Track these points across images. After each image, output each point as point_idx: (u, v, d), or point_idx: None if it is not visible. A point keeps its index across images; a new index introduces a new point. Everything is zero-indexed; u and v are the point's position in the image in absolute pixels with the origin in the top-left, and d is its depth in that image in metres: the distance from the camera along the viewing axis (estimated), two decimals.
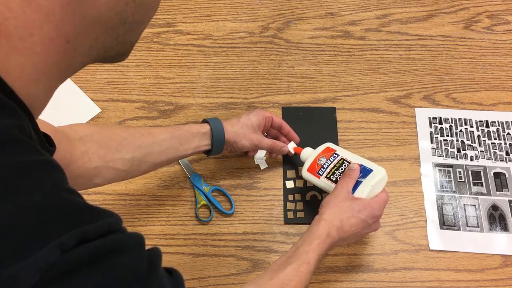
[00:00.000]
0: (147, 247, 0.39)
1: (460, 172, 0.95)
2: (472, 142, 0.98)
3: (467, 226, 0.90)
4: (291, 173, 0.95)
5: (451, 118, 1.01)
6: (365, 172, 0.79)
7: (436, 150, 0.98)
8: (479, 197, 0.93)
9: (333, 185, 0.80)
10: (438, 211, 0.91)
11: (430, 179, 0.95)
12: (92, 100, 1.03)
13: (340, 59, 1.09)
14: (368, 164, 0.81)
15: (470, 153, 0.97)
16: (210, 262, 0.87)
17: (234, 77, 1.07)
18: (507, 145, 0.98)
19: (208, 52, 1.10)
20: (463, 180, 0.94)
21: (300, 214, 0.91)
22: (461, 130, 1.00)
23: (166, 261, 0.40)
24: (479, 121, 1.01)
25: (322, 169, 0.83)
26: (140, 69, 1.07)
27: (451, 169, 0.96)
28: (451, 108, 1.03)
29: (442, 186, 0.94)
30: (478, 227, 0.90)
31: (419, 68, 1.08)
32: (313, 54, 1.10)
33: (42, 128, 0.44)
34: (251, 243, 0.89)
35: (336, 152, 0.85)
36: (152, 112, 1.02)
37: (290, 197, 0.93)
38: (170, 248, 0.88)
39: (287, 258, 0.69)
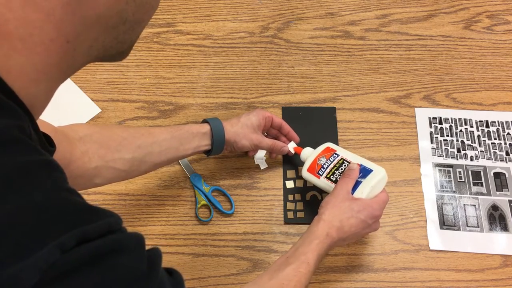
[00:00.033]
0: (147, 247, 0.39)
1: (460, 172, 0.95)
2: (472, 142, 0.98)
3: (467, 226, 0.90)
4: (291, 173, 0.95)
5: (451, 118, 1.01)
6: (365, 172, 0.79)
7: (436, 150, 0.98)
8: (479, 197, 0.93)
9: (333, 185, 0.80)
10: (438, 211, 0.91)
11: (430, 179, 0.95)
12: (92, 100, 1.03)
13: (340, 59, 1.09)
14: (368, 164, 0.81)
15: (470, 153, 0.97)
16: (210, 262, 0.87)
17: (234, 77, 1.07)
18: (507, 145, 0.98)
19: (208, 52, 1.10)
20: (463, 180, 0.94)
21: (300, 214, 0.91)
22: (461, 130, 1.00)
23: (166, 261, 0.40)
24: (479, 121, 1.01)
25: (322, 169, 0.83)
26: (140, 69, 1.07)
27: (451, 169, 0.96)
28: (451, 108, 1.03)
29: (442, 186, 0.94)
30: (478, 227, 0.90)
31: (419, 68, 1.08)
32: (313, 54, 1.10)
33: (42, 128, 0.44)
34: (251, 243, 0.89)
35: (336, 152, 0.85)
36: (152, 112, 1.02)
37: (290, 197, 0.93)
38: (170, 248, 0.88)
39: (287, 258, 0.69)
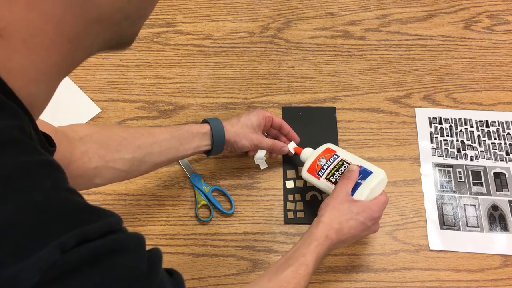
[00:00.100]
0: (147, 248, 0.39)
1: (460, 172, 0.95)
2: (472, 142, 0.98)
3: (467, 226, 0.90)
4: (291, 173, 0.95)
5: (451, 118, 1.01)
6: (364, 174, 0.79)
7: (436, 150, 0.98)
8: (479, 197, 0.93)
9: (333, 186, 0.80)
10: (438, 211, 0.91)
11: (430, 179, 0.95)
12: (92, 100, 1.03)
13: (340, 59, 1.09)
14: (368, 166, 0.81)
15: (470, 153, 0.97)
16: (210, 262, 0.87)
17: (234, 77, 1.07)
18: (507, 145, 0.98)
19: (208, 52, 1.10)
20: (463, 180, 0.94)
21: (300, 214, 0.91)
22: (461, 130, 1.00)
23: (166, 261, 0.40)
24: (479, 121, 1.01)
25: (322, 170, 0.83)
26: (140, 69, 1.07)
27: (451, 169, 0.96)
28: (451, 108, 1.03)
29: (442, 186, 0.94)
30: (478, 227, 0.90)
31: (419, 68, 1.08)
32: (313, 54, 1.10)
33: (42, 128, 0.44)
34: (251, 243, 0.89)
35: (336, 153, 0.85)
36: (152, 112, 1.02)
37: (290, 197, 0.93)
38: (170, 248, 0.88)
39: (286, 260, 0.69)
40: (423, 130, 1.00)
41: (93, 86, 1.05)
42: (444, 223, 0.90)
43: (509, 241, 0.88)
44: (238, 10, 1.16)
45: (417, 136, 1.00)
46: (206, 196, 0.92)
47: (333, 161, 0.83)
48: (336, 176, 0.81)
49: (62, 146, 0.62)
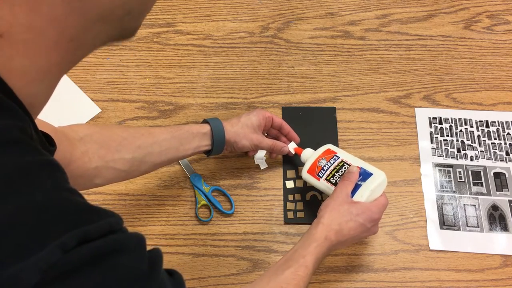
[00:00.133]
0: (147, 248, 0.39)
1: (460, 172, 0.95)
2: (472, 142, 0.98)
3: (467, 226, 0.90)
4: (291, 173, 0.95)
5: (451, 118, 1.01)
6: (365, 175, 0.79)
7: (436, 150, 0.98)
8: (479, 197, 0.93)
9: (333, 187, 0.80)
10: (438, 211, 0.91)
11: (430, 179, 0.95)
12: (92, 100, 1.03)
13: (340, 59, 1.09)
14: (368, 167, 0.81)
15: (470, 153, 0.97)
16: (210, 262, 0.87)
17: (234, 77, 1.07)
18: (507, 145, 0.98)
19: (208, 52, 1.10)
20: (463, 180, 0.94)
21: (300, 214, 0.91)
22: (461, 130, 1.00)
23: (166, 261, 0.40)
24: (479, 121, 1.01)
25: (322, 171, 0.83)
26: (140, 69, 1.07)
27: (451, 169, 0.96)
28: (451, 108, 1.03)
29: (442, 186, 0.94)
30: (478, 227, 0.90)
31: (419, 68, 1.08)
32: (313, 54, 1.10)
33: (42, 128, 0.44)
34: (251, 243, 0.89)
35: (337, 154, 0.85)
36: (152, 112, 1.02)
37: (290, 197, 0.93)
38: (170, 248, 0.88)
39: (285, 261, 0.69)
40: (423, 130, 1.00)
41: (93, 86, 1.05)
42: (444, 223, 0.90)
43: (509, 241, 0.88)
44: (238, 10, 1.16)
45: (417, 136, 1.00)
46: (206, 196, 0.92)
47: (334, 162, 0.83)
48: (336, 177, 0.81)
49: (62, 146, 0.62)
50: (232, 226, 0.91)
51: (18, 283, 0.30)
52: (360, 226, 0.73)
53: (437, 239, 0.89)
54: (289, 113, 1.02)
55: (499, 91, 1.05)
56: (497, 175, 0.95)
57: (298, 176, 0.94)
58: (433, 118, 1.01)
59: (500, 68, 1.08)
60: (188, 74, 1.07)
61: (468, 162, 0.96)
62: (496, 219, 0.91)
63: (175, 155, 0.81)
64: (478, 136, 0.99)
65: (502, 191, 0.93)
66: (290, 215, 0.91)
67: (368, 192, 0.76)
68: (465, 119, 1.01)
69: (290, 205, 0.92)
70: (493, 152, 0.97)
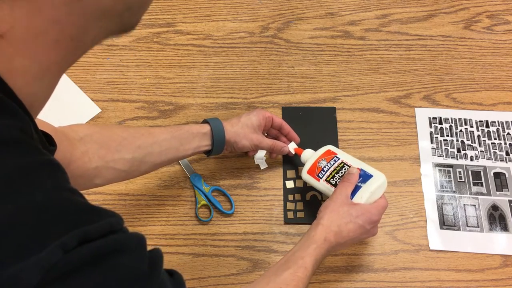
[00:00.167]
0: (148, 248, 0.39)
1: (460, 172, 0.95)
2: (472, 142, 0.98)
3: (467, 226, 0.90)
4: (291, 173, 0.95)
5: (451, 118, 1.01)
6: (365, 177, 0.79)
7: (436, 150, 0.98)
8: (479, 197, 0.93)
9: (333, 188, 0.80)
10: (438, 211, 0.91)
11: (430, 179, 0.95)
12: (92, 100, 1.03)
13: (340, 59, 1.09)
14: (368, 169, 0.81)
15: (470, 153, 0.97)
16: (210, 262, 0.87)
17: (234, 77, 1.07)
18: (507, 145, 0.98)
19: (208, 52, 1.10)
20: (463, 180, 0.94)
21: (300, 214, 0.91)
22: (461, 130, 1.00)
23: (166, 261, 0.40)
24: (479, 121, 1.01)
25: (322, 172, 0.83)
26: (140, 69, 1.07)
27: (451, 169, 0.96)
28: (451, 108, 1.03)
29: (442, 186, 0.94)
30: (478, 227, 0.90)
31: (419, 68, 1.08)
32: (313, 54, 1.10)
33: (43, 128, 0.44)
34: (251, 243, 0.89)
35: (337, 155, 0.85)
36: (152, 112, 1.02)
37: (290, 197, 0.93)
38: (170, 248, 0.88)
39: (284, 262, 0.69)
40: (423, 130, 1.00)
41: (93, 86, 1.05)
42: (444, 223, 0.90)
43: (509, 241, 0.88)
44: (238, 10, 1.16)
45: (417, 136, 1.00)
46: (206, 196, 0.92)
47: (334, 163, 0.83)
48: (336, 179, 0.81)
49: (62, 146, 0.62)
50: (232, 226, 0.91)
51: (19, 283, 0.30)
52: (359, 228, 0.73)
53: (437, 239, 0.89)
54: (289, 113, 1.02)
55: (499, 91, 1.05)
56: (497, 175, 0.95)
57: (298, 176, 0.94)
58: (433, 118, 1.01)
59: (500, 68, 1.08)
60: (188, 74, 1.07)
61: (468, 162, 0.96)
62: (496, 219, 0.91)
63: (175, 155, 0.81)
64: (478, 136, 0.99)
65: (502, 191, 0.93)
66: (290, 215, 0.91)
67: (367, 194, 0.76)
68: (465, 119, 1.01)
69: (290, 205, 0.92)
70: (493, 152, 0.97)
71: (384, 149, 0.98)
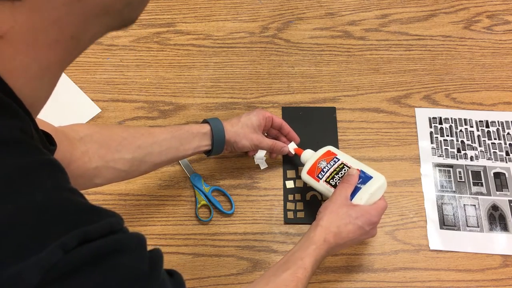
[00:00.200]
0: (148, 248, 0.39)
1: (460, 172, 0.95)
2: (472, 142, 0.98)
3: (467, 226, 0.90)
4: (291, 173, 0.95)
5: (451, 118, 1.01)
6: (364, 178, 0.79)
7: (436, 150, 0.98)
8: (479, 197, 0.93)
9: (332, 189, 0.80)
10: (438, 211, 0.91)
11: (430, 179, 0.95)
12: (92, 100, 1.03)
13: (340, 59, 1.09)
14: (368, 170, 0.81)
15: (470, 153, 0.97)
16: (210, 262, 0.87)
17: (234, 77, 1.07)
18: (507, 145, 0.98)
19: (208, 52, 1.10)
20: (463, 180, 0.94)
21: (300, 214, 0.91)
22: (461, 130, 1.00)
23: (166, 261, 0.40)
24: (479, 121, 1.01)
25: (322, 172, 0.83)
26: (140, 69, 1.07)
27: (451, 169, 0.96)
28: (451, 108, 1.03)
29: (442, 186, 0.94)
30: (478, 227, 0.90)
31: (419, 68, 1.08)
32: (313, 54, 1.10)
33: (43, 128, 0.44)
34: (251, 243, 0.89)
35: (337, 156, 0.85)
36: (152, 112, 1.02)
37: (290, 197, 0.93)
38: (170, 248, 0.88)
39: (284, 263, 0.69)
40: (423, 130, 1.00)
41: (93, 86, 1.05)
42: (444, 223, 0.90)
43: (509, 241, 0.88)
44: (238, 10, 1.16)
45: (417, 136, 1.00)
46: (206, 196, 0.92)
47: (333, 164, 0.83)
48: (335, 180, 0.81)
49: (62, 146, 0.62)
50: (232, 226, 0.91)
51: (19, 283, 0.30)
52: (359, 229, 0.73)
53: (437, 239, 0.89)
54: (289, 113, 1.02)
55: (499, 91, 1.05)
56: (497, 175, 0.95)
57: (298, 176, 0.94)
58: (433, 118, 1.01)
59: (500, 68, 1.08)
60: (188, 74, 1.07)
61: (468, 162, 0.96)
62: (496, 219, 0.91)
63: (175, 155, 0.81)
64: (478, 136, 0.99)
65: (502, 191, 0.93)
66: (290, 215, 0.91)
67: (367, 195, 0.76)
68: (465, 119, 1.01)
69: (290, 205, 0.92)
70: (493, 152, 0.97)
71: (384, 149, 0.98)
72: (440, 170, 0.95)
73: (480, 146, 0.98)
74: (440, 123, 1.01)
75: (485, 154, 0.97)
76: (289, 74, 1.07)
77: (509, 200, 0.92)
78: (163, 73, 1.07)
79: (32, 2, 0.34)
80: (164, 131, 0.80)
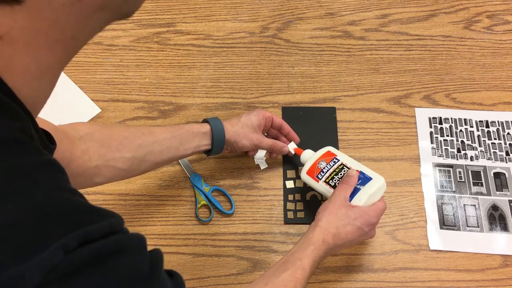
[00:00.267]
0: (148, 248, 0.39)
1: (460, 172, 0.95)
2: (472, 142, 0.98)
3: (467, 226, 0.90)
4: (291, 173, 0.95)
5: (451, 118, 1.01)
6: (364, 179, 0.78)
7: (436, 150, 0.98)
8: (479, 197, 0.93)
9: (332, 190, 0.80)
10: (438, 211, 0.91)
11: (430, 179, 0.95)
12: (92, 100, 1.03)
13: (340, 59, 1.09)
14: (368, 171, 0.80)
15: (470, 153, 0.97)
16: (210, 262, 0.87)
17: (234, 77, 1.07)
18: (507, 145, 0.98)
19: (208, 52, 1.10)
20: (463, 180, 0.94)
21: (300, 214, 0.91)
22: (461, 130, 1.00)
23: (166, 261, 0.40)
24: (479, 121, 1.01)
25: (321, 173, 0.83)
26: (140, 69, 1.07)
27: (451, 169, 0.96)
28: (451, 108, 1.03)
29: (442, 186, 0.94)
30: (478, 227, 0.90)
31: (419, 68, 1.08)
32: (313, 54, 1.10)
33: (43, 127, 0.44)
34: (251, 243, 0.89)
35: (337, 157, 0.84)
36: (152, 112, 1.02)
37: (290, 197, 0.93)
38: (170, 248, 0.88)
39: (282, 263, 0.69)
40: (423, 130, 1.00)
41: (93, 86, 1.05)
42: (444, 223, 0.90)
43: (509, 241, 0.88)
44: (238, 10, 1.16)
45: (417, 136, 1.00)
46: (206, 196, 0.92)
47: (333, 165, 0.83)
48: (335, 180, 0.81)
49: (63, 145, 0.62)
50: (232, 226, 0.90)
51: (20, 284, 0.30)
52: (357, 230, 0.73)
53: (437, 239, 0.89)
54: (289, 113, 1.02)
55: (499, 91, 1.05)
56: (497, 175, 0.95)
57: (298, 176, 0.94)
58: (433, 118, 1.01)
59: (500, 68, 1.08)
60: (188, 74, 1.07)
61: (468, 162, 0.96)
62: (496, 219, 0.91)
63: (175, 154, 0.81)
64: (478, 136, 0.99)
65: (502, 191, 0.93)
66: (290, 215, 0.91)
67: (366, 196, 0.76)
68: (465, 119, 1.01)
69: (290, 205, 0.92)
70: (493, 152, 0.97)
71: (384, 149, 0.98)
72: (440, 170, 0.95)
73: (480, 146, 0.98)
74: (440, 123, 1.01)
75: (485, 154, 0.97)
76: (289, 74, 1.07)
77: (509, 200, 0.92)
78: (163, 73, 1.07)
79: (32, 4, 0.34)
80: (164, 130, 0.80)
